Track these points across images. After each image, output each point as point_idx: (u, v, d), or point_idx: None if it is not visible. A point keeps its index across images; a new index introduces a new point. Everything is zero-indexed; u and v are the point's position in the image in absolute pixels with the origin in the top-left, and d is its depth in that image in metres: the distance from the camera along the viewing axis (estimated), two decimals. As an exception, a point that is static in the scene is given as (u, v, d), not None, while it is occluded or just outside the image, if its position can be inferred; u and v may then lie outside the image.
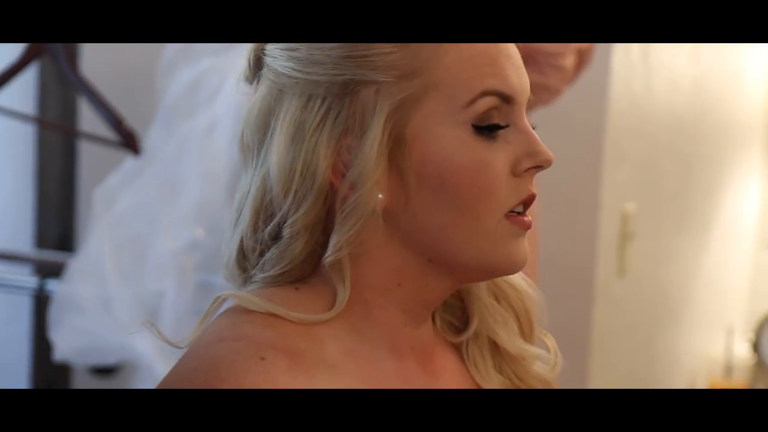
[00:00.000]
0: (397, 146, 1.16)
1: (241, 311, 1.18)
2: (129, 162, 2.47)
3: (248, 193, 1.21)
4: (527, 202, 1.19)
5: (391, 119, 1.15)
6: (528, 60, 2.26)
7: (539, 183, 2.79)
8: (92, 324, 2.39)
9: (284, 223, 1.18)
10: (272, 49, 1.21)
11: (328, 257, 1.17)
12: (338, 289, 1.18)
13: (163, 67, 2.47)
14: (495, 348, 1.31)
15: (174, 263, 2.36)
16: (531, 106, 2.32)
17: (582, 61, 2.40)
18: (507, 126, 1.18)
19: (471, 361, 1.30)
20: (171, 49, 2.46)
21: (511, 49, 1.20)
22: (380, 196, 1.16)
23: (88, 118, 2.99)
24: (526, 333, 1.33)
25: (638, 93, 2.98)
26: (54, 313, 2.42)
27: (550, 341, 1.36)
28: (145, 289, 2.37)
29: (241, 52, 2.44)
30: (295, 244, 1.18)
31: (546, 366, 1.34)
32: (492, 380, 1.30)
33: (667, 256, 3.41)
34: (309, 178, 1.16)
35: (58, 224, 3.14)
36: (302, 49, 1.18)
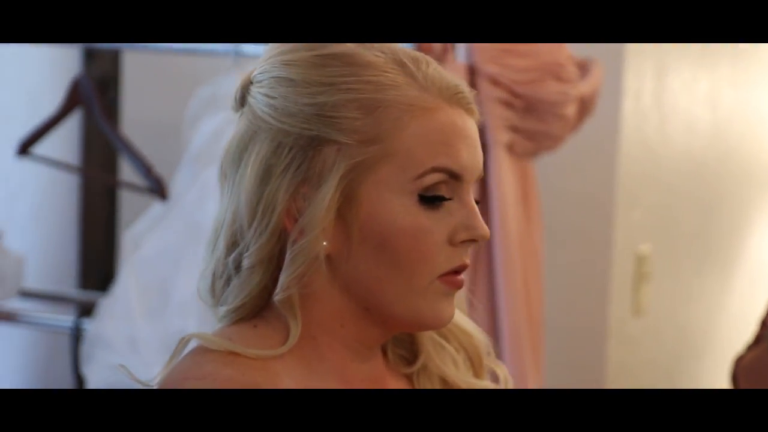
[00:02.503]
0: (347, 202, 1.28)
1: (204, 351, 1.30)
2: (156, 207, 2.62)
3: (224, 222, 1.33)
4: (459, 270, 1.31)
5: (345, 177, 1.28)
6: (529, 109, 2.41)
7: (553, 221, 2.89)
8: (120, 360, 2.53)
9: (245, 253, 1.31)
10: (255, 91, 1.33)
11: (277, 294, 1.30)
12: (291, 325, 1.31)
13: (188, 118, 2.62)
14: (444, 382, 1.43)
15: (196, 303, 2.49)
16: (535, 152, 2.47)
17: (584, 108, 2.51)
18: (451, 199, 1.30)
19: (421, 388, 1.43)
20: (197, 100, 2.61)
21: (470, 130, 1.31)
22: (325, 243, 1.29)
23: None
24: (477, 369, 1.45)
25: (652, 137, 3.08)
26: (86, 349, 2.56)
27: (501, 370, 1.48)
28: (170, 327, 2.51)
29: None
30: (252, 276, 1.30)
31: None
32: None
33: (687, 295, 3.48)
34: (267, 217, 1.29)
35: (100, 266, 3.30)
36: (279, 98, 1.30)
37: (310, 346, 1.32)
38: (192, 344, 1.34)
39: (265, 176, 1.29)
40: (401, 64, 1.32)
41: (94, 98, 2.71)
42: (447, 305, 1.31)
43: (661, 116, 3.11)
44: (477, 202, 1.34)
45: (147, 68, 3.21)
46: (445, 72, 1.33)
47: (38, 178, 3.27)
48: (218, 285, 1.34)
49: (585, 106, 2.50)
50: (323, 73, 1.30)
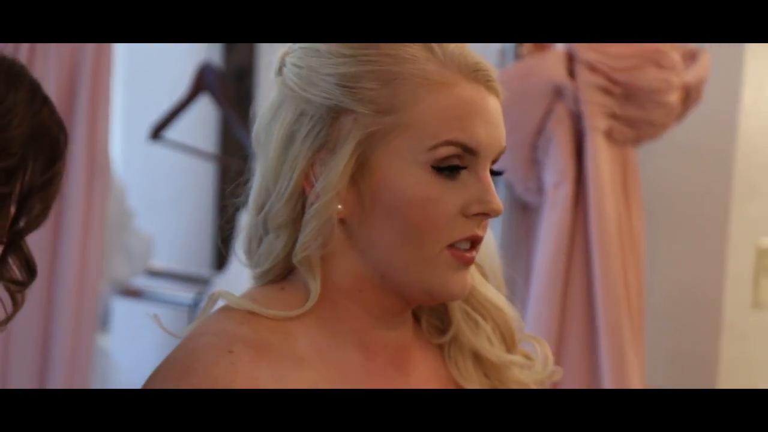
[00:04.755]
0: (360, 169, 1.34)
1: (227, 309, 1.38)
2: (268, 189, 2.71)
3: (256, 186, 1.40)
4: (473, 241, 1.35)
5: (360, 146, 1.33)
6: (629, 96, 2.41)
7: (669, 212, 2.85)
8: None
9: (269, 214, 1.37)
10: (288, 60, 1.39)
11: (296, 255, 1.36)
12: (310, 286, 1.37)
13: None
14: (476, 355, 1.46)
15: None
16: (636, 140, 2.46)
17: (689, 97, 2.50)
18: (465, 168, 1.33)
19: (452, 361, 1.46)
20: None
21: (489, 107, 1.35)
22: (339, 207, 1.34)
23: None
24: (509, 343, 1.48)
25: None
26: (199, 324, 2.67)
27: (543, 346, 1.50)
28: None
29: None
30: (278, 240, 1.37)
31: (530, 371, 1.48)
32: (471, 379, 1.46)
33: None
34: (287, 180, 1.35)
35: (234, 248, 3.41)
36: (305, 68, 1.36)
37: (330, 309, 1.37)
38: (220, 303, 1.41)
39: (288, 142, 1.35)
40: None
41: (217, 86, 2.82)
42: (457, 278, 1.35)
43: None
44: (497, 174, 1.37)
45: (281, 59, 3.31)
46: (469, 50, 1.36)
47: (178, 164, 3.41)
48: (252, 246, 1.41)
49: (690, 95, 2.48)
50: (347, 44, 1.36)
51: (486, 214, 1.35)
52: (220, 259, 3.40)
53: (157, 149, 3.19)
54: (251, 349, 1.31)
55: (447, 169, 1.32)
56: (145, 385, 1.33)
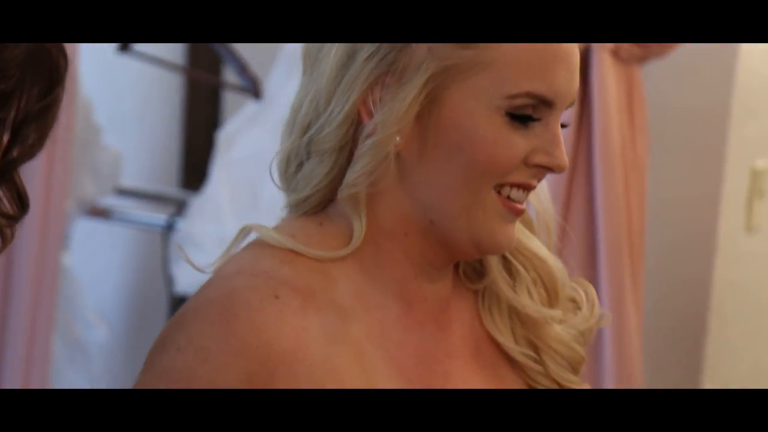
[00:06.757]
0: (428, 105, 1.21)
1: (264, 245, 1.24)
2: (249, 106, 2.57)
3: (302, 103, 1.25)
4: (525, 188, 1.25)
5: (433, 80, 1.20)
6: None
7: (665, 132, 2.77)
8: (210, 260, 2.50)
9: (317, 137, 1.23)
10: None
11: (343, 190, 1.23)
12: (354, 225, 1.24)
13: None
14: (514, 309, 1.35)
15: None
16: (643, 58, 2.35)
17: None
18: (539, 120, 1.22)
19: (486, 309, 1.35)
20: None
21: (572, 54, 1.24)
22: (397, 139, 1.21)
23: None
24: (552, 296, 1.36)
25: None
26: (175, 248, 2.54)
27: (590, 291, 1.39)
28: (260, 228, 2.48)
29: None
30: (321, 165, 1.23)
31: (576, 319, 1.37)
32: (504, 332, 1.34)
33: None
34: (342, 102, 1.21)
35: (202, 166, 3.28)
36: None
37: (372, 252, 1.26)
38: (252, 236, 1.28)
39: (347, 60, 1.21)
40: None
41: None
42: (505, 229, 1.25)
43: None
44: (563, 126, 1.26)
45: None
46: None
47: (144, 77, 3.26)
48: (290, 169, 1.27)
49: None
50: None
51: (549, 168, 1.24)
52: (188, 177, 3.27)
53: (120, 60, 3.03)
54: (299, 296, 1.20)
55: (520, 118, 1.21)
56: (177, 326, 1.19)
